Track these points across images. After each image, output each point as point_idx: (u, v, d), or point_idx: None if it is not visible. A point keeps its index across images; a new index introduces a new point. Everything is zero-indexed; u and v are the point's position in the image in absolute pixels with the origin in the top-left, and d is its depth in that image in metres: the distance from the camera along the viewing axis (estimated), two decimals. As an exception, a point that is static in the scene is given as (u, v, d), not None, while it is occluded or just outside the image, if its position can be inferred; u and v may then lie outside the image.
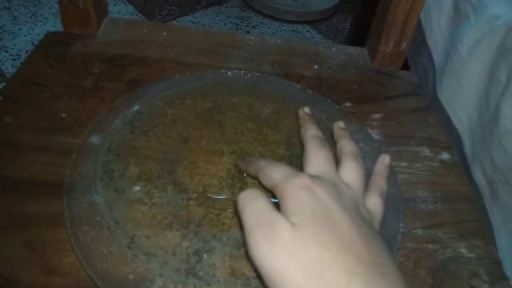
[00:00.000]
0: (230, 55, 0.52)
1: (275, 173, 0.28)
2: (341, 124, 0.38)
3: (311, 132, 0.35)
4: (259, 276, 0.25)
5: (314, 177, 0.27)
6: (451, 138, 0.56)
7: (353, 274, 0.22)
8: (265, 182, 0.30)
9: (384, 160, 0.36)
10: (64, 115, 0.42)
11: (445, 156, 0.42)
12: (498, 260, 0.35)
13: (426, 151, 0.42)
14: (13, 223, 0.32)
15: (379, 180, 0.33)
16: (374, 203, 0.31)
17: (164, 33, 0.54)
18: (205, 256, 0.31)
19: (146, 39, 0.53)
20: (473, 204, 0.39)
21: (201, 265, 0.30)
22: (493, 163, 0.47)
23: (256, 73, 0.48)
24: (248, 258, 0.25)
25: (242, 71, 0.47)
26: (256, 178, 0.32)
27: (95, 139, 0.38)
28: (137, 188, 0.34)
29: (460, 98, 0.56)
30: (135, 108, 0.41)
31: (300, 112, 0.40)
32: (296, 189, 0.26)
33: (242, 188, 0.35)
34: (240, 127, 0.41)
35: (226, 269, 0.30)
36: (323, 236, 0.24)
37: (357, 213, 0.27)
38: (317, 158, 0.31)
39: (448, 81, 0.59)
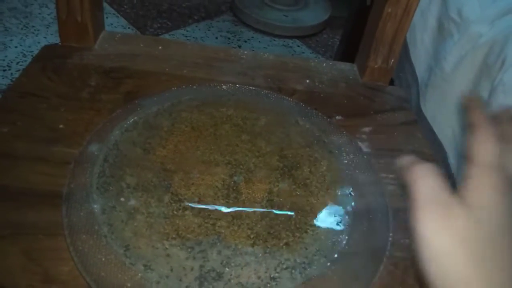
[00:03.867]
0: (225, 69, 0.53)
1: (421, 192, 0.23)
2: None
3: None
4: None
5: (472, 214, 0.23)
6: (435, 150, 0.58)
7: None
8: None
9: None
10: (61, 126, 0.42)
11: (431, 168, 0.44)
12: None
13: (413, 164, 0.44)
14: (11, 231, 0.33)
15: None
16: None
17: (160, 47, 0.55)
18: (201, 264, 0.31)
19: (142, 52, 0.54)
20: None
21: (198, 273, 0.31)
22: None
23: (250, 87, 0.49)
24: None
25: (236, 85, 0.49)
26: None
27: (93, 149, 0.38)
28: (133, 202, 0.35)
29: (444, 113, 0.58)
30: (132, 120, 0.42)
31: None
32: (437, 228, 0.22)
33: (236, 198, 0.36)
34: (235, 139, 0.42)
35: (222, 276, 0.31)
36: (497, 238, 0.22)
37: None
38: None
39: (432, 96, 0.61)
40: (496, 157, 0.24)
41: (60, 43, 0.53)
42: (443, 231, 0.22)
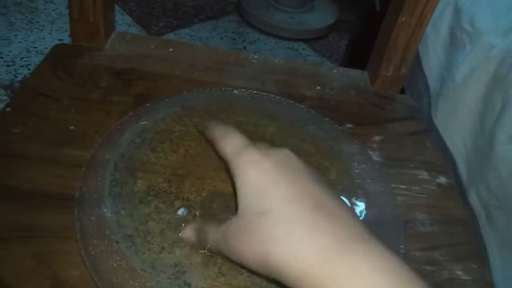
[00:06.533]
0: (235, 74, 0.53)
1: (227, 146, 0.29)
2: None
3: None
4: None
5: (264, 149, 0.28)
6: (445, 161, 0.58)
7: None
8: (219, 153, 0.30)
9: None
10: (72, 127, 0.42)
11: (442, 180, 0.44)
12: (492, 283, 0.36)
13: (424, 174, 0.44)
14: (21, 234, 0.33)
15: None
16: None
17: (171, 49, 0.55)
18: (215, 270, 0.31)
19: (152, 54, 0.54)
20: (469, 228, 0.40)
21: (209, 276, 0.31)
22: (488, 188, 0.49)
23: (262, 93, 0.49)
24: None
25: (248, 90, 0.48)
26: None
27: (104, 153, 0.38)
28: (144, 207, 0.34)
29: (455, 123, 0.58)
30: (143, 123, 0.42)
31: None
32: (246, 164, 0.27)
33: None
34: (245, 145, 0.42)
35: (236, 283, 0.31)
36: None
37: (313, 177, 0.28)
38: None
39: (443, 106, 0.61)
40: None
41: (71, 43, 0.53)
42: (255, 168, 0.27)
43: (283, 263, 0.24)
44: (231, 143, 0.29)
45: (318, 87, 0.54)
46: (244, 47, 1.64)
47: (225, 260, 0.31)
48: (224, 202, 0.36)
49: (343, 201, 0.28)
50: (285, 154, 0.28)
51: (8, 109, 0.43)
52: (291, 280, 0.24)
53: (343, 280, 0.22)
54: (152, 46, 0.55)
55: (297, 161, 0.28)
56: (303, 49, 1.69)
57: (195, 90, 0.47)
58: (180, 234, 0.33)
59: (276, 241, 0.24)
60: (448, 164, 0.57)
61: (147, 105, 0.44)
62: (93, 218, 0.33)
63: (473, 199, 0.52)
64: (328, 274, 0.23)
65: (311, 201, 0.25)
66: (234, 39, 1.67)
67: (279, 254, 0.24)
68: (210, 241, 0.29)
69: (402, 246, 0.36)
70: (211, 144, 0.32)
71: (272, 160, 0.27)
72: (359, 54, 0.66)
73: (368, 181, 0.41)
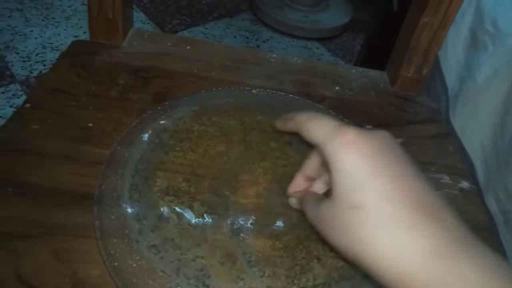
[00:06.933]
0: (253, 72, 0.53)
1: (318, 128, 0.27)
2: None
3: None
4: None
5: (361, 131, 0.26)
6: (464, 163, 0.57)
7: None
8: (309, 139, 0.28)
9: None
10: (90, 124, 0.42)
11: (464, 184, 0.43)
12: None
13: (446, 179, 0.43)
14: (41, 231, 0.33)
15: None
16: None
17: (188, 47, 0.55)
18: (234, 274, 0.31)
19: (170, 52, 0.54)
20: (491, 234, 0.39)
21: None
22: (508, 193, 0.48)
23: (280, 92, 0.48)
24: None
25: (267, 90, 0.48)
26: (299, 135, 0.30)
27: (123, 151, 0.38)
28: (163, 207, 0.34)
29: (475, 126, 0.57)
30: (162, 122, 0.41)
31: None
32: (342, 148, 0.25)
33: (264, 209, 0.36)
34: (264, 146, 0.42)
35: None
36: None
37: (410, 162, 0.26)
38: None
39: (463, 108, 0.60)
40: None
41: (89, 39, 0.53)
42: (353, 152, 0.25)
43: (376, 265, 0.23)
44: (322, 124, 0.27)
45: (337, 87, 0.53)
46: (258, 46, 1.63)
47: (242, 264, 0.31)
48: (243, 204, 0.36)
49: (445, 199, 0.25)
50: (384, 136, 0.26)
51: (28, 105, 0.43)
52: (386, 281, 0.23)
53: (445, 285, 0.21)
54: (170, 44, 0.55)
55: (398, 147, 0.26)
56: (317, 48, 1.68)
57: (213, 89, 0.47)
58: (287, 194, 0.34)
59: (368, 243, 0.23)
60: (466, 166, 0.56)
61: (166, 103, 0.44)
62: (112, 217, 0.33)
63: (491, 203, 0.51)
64: (428, 279, 0.22)
65: (411, 199, 0.23)
66: (247, 37, 1.66)
67: (371, 257, 0.23)
68: (307, 216, 0.29)
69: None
70: (291, 132, 0.30)
71: (371, 142, 0.25)
72: (375, 54, 0.65)
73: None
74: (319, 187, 0.32)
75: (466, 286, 0.21)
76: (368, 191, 0.24)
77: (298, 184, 0.34)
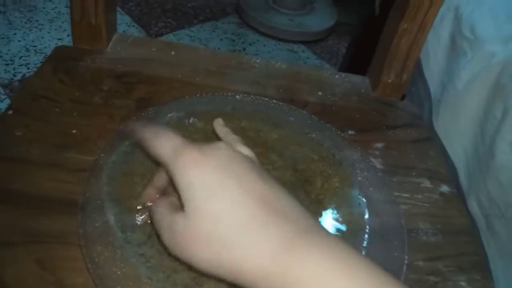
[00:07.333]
0: (237, 78, 0.53)
1: (162, 147, 0.28)
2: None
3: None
4: None
5: (202, 147, 0.27)
6: (447, 169, 0.58)
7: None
8: (153, 156, 0.29)
9: (220, 121, 0.38)
10: (74, 131, 0.42)
11: (444, 188, 0.44)
12: (495, 294, 0.36)
13: (426, 183, 0.44)
14: (24, 239, 0.33)
15: (232, 136, 0.35)
16: (246, 151, 0.31)
17: (173, 52, 0.55)
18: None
19: (154, 57, 0.54)
20: (472, 237, 0.40)
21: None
22: (489, 196, 0.49)
23: (264, 98, 0.49)
24: None
25: (250, 96, 0.48)
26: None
27: (107, 158, 0.38)
28: (147, 214, 0.34)
29: (456, 131, 0.58)
30: (147, 128, 0.41)
31: None
32: (186, 167, 0.26)
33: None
34: (248, 152, 0.42)
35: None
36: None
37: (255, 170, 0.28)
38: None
39: (444, 113, 0.61)
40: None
41: (70, 44, 0.53)
42: (198, 169, 0.26)
43: (238, 268, 0.24)
44: (166, 143, 0.28)
45: (320, 93, 0.54)
46: (244, 49, 1.64)
47: None
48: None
49: (287, 192, 0.27)
50: (223, 148, 0.28)
51: (10, 111, 0.43)
52: (248, 284, 0.24)
53: (295, 277, 0.23)
54: (154, 49, 0.55)
55: (238, 156, 0.28)
56: (303, 51, 1.69)
57: (197, 95, 0.47)
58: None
59: (229, 247, 0.24)
60: (449, 171, 0.58)
61: (150, 110, 0.44)
62: (97, 224, 0.33)
63: (474, 207, 0.52)
64: (281, 275, 0.23)
65: (261, 201, 0.25)
66: (233, 40, 1.67)
67: (234, 260, 0.24)
68: (155, 222, 0.29)
69: (406, 256, 0.36)
70: (140, 147, 0.30)
71: (214, 157, 0.27)
72: (359, 58, 0.66)
73: (371, 189, 0.41)
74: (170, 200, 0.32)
75: (317, 270, 0.23)
76: (221, 199, 0.25)
77: (149, 195, 0.34)
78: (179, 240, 0.26)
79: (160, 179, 0.33)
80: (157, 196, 0.33)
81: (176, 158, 0.27)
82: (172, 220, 0.27)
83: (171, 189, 0.31)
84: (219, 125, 0.37)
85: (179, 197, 0.26)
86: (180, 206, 0.26)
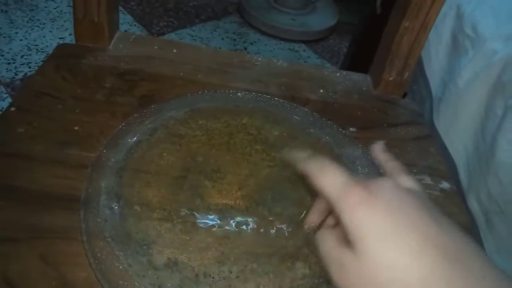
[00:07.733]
0: (239, 76, 0.53)
1: (328, 185, 0.27)
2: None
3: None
4: None
5: (369, 186, 0.25)
6: (447, 166, 0.58)
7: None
8: (318, 190, 0.27)
9: (379, 147, 0.34)
10: (76, 128, 0.42)
11: (445, 185, 0.44)
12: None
13: (427, 180, 0.44)
14: (27, 235, 0.33)
15: (392, 164, 0.31)
16: (411, 183, 0.28)
17: (174, 50, 0.55)
18: (216, 271, 0.31)
19: (156, 55, 0.54)
20: (472, 234, 0.40)
21: (213, 280, 0.31)
22: (489, 194, 0.49)
23: (266, 96, 0.49)
24: None
25: (252, 93, 0.49)
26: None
27: (109, 154, 0.38)
28: (148, 210, 0.35)
29: (457, 129, 0.58)
30: (149, 125, 0.42)
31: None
32: (354, 209, 0.25)
33: (248, 210, 0.36)
34: (249, 149, 0.42)
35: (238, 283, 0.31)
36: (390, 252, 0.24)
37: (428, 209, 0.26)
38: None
39: (445, 111, 0.61)
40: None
41: (74, 42, 0.53)
42: (366, 211, 0.25)
43: None
44: (332, 181, 0.26)
45: (321, 90, 0.54)
46: (245, 48, 1.64)
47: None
48: (225, 207, 0.36)
49: (469, 239, 0.25)
50: (390, 187, 0.26)
51: (13, 108, 0.43)
52: None
53: None
54: (156, 47, 0.55)
55: (406, 195, 0.26)
56: (304, 50, 1.69)
57: (199, 92, 0.48)
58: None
59: None
60: (449, 168, 0.58)
61: (152, 107, 0.44)
62: (98, 220, 0.33)
63: (473, 204, 0.52)
64: None
65: (443, 251, 0.23)
66: (235, 39, 1.67)
67: None
68: (321, 253, 0.28)
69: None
70: (304, 178, 0.29)
71: (381, 199, 0.25)
72: (361, 57, 0.66)
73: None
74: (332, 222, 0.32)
75: None
76: (397, 247, 0.23)
77: (312, 220, 0.34)
78: (351, 278, 0.25)
79: (322, 202, 0.32)
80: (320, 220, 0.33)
81: (343, 199, 0.25)
82: (341, 255, 0.26)
83: (335, 218, 0.29)
84: (378, 151, 0.33)
85: (346, 233, 0.25)
86: (346, 241, 0.25)
